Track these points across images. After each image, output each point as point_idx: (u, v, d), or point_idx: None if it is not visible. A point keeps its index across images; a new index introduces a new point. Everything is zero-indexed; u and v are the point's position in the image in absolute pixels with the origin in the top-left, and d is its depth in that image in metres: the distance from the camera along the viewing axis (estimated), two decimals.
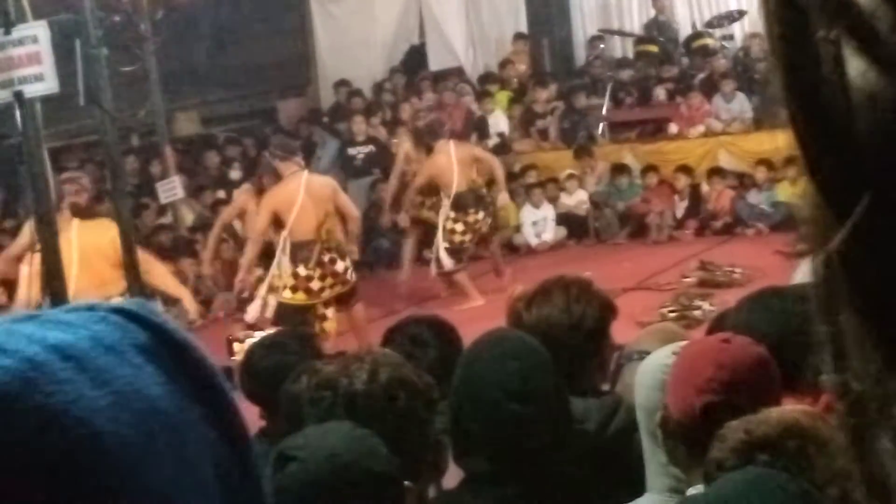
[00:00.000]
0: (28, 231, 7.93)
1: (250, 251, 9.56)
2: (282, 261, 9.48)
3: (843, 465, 1.83)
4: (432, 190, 11.79)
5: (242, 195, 10.62)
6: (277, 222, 9.43)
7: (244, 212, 10.34)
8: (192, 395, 0.69)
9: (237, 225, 10.77)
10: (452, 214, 11.57)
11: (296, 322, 8.90)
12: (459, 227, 11.60)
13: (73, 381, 0.63)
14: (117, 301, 0.72)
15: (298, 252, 9.42)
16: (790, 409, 2.30)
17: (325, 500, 2.35)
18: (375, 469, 2.41)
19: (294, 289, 9.42)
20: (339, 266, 9.54)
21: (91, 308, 0.69)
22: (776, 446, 2.19)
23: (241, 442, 0.72)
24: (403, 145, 12.69)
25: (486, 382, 2.93)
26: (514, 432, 2.88)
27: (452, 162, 11.55)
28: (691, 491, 2.57)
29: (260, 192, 10.07)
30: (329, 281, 9.48)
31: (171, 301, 9.41)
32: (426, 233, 11.93)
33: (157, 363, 0.68)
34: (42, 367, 0.62)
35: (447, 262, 11.54)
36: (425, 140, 11.99)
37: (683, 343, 2.90)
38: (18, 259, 8.18)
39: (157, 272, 8.82)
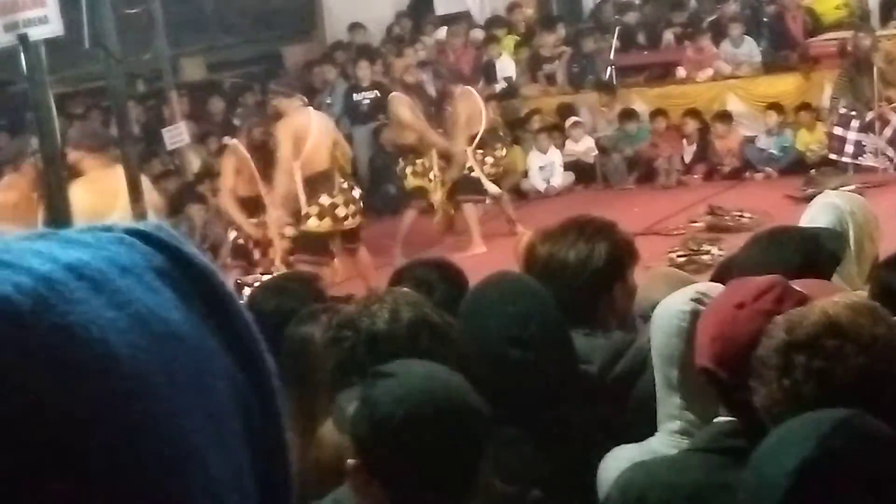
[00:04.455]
0: None
1: (283, 183, 9.46)
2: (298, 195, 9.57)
3: (880, 362, 1.85)
4: (418, 152, 11.77)
5: (230, 157, 10.07)
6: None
7: (239, 170, 10.07)
8: (211, 322, 0.65)
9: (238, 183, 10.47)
10: (480, 151, 11.74)
11: (319, 250, 9.31)
12: (490, 159, 11.85)
13: (89, 302, 0.59)
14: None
15: (319, 182, 9.52)
16: (836, 302, 2.30)
17: (417, 413, 2.31)
18: (469, 398, 2.39)
19: (320, 216, 9.54)
20: (356, 193, 9.85)
21: (107, 229, 0.66)
22: (814, 346, 2.19)
23: (262, 372, 0.68)
24: (402, 109, 11.86)
25: (486, 327, 2.93)
26: (515, 376, 2.88)
27: (479, 103, 11.86)
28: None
29: (253, 145, 9.95)
30: (352, 208, 9.70)
31: None
32: (426, 199, 11.90)
33: (175, 287, 0.64)
34: (56, 286, 0.59)
35: (493, 188, 11.77)
36: (424, 96, 12.12)
37: (701, 288, 2.87)
38: None
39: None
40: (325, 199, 9.54)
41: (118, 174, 8.02)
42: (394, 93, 12.19)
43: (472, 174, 11.67)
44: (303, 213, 9.55)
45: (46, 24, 6.69)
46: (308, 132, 9.45)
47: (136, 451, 0.59)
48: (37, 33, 6.70)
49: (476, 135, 11.71)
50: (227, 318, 0.67)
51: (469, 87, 12.14)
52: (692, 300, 2.74)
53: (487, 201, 12.00)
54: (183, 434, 0.61)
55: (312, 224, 9.54)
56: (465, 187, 11.72)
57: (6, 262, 0.59)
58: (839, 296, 2.39)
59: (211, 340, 0.65)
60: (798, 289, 2.55)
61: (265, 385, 0.68)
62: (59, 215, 7.06)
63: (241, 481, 0.65)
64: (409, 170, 11.89)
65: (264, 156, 9.63)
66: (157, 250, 0.65)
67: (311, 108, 9.94)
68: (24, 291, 0.58)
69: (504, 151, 12.12)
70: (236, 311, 0.67)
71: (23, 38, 6.66)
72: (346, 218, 9.64)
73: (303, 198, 9.51)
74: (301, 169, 9.47)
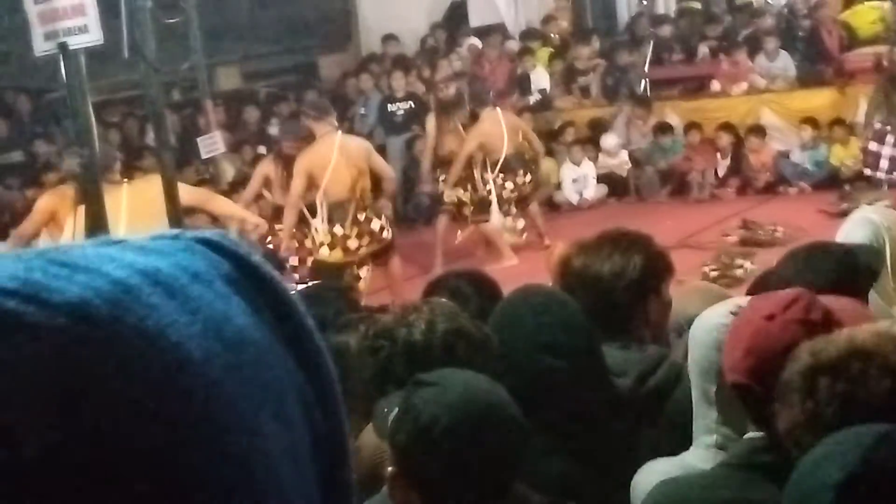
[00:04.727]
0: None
1: (289, 216, 9.59)
2: (318, 221, 9.57)
3: None
4: (451, 163, 11.79)
5: (263, 165, 10.60)
6: (311, 184, 9.48)
7: (269, 181, 10.32)
8: (277, 330, 0.66)
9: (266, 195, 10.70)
10: (501, 176, 11.64)
11: (330, 279, 9.00)
12: (509, 185, 11.72)
13: (164, 307, 0.60)
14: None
15: (334, 212, 9.52)
16: (862, 329, 2.29)
17: (459, 422, 2.33)
18: (509, 408, 2.40)
19: (331, 247, 9.57)
20: (375, 225, 9.70)
21: (175, 236, 0.67)
22: (838, 369, 2.19)
23: (325, 380, 0.69)
24: (430, 122, 12.43)
25: (516, 336, 2.94)
26: (547, 385, 2.89)
27: (502, 128, 11.64)
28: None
29: (281, 157, 10.10)
30: (366, 239, 9.64)
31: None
32: (458, 209, 11.89)
33: (243, 294, 0.65)
34: (133, 291, 0.60)
35: (497, 219, 11.65)
36: (461, 107, 12.05)
37: (740, 301, 2.87)
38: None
39: (219, 200, 9.21)
40: (338, 230, 9.57)
41: (120, 196, 8.00)
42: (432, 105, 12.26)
43: (490, 197, 11.65)
44: (318, 241, 9.60)
45: (86, 33, 6.75)
46: (328, 163, 9.42)
47: (210, 455, 0.59)
48: (77, 42, 6.76)
49: (497, 160, 11.61)
50: (292, 325, 0.67)
51: (496, 110, 11.89)
52: (731, 313, 2.73)
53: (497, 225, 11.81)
54: (254, 439, 0.61)
55: (324, 252, 9.59)
56: (479, 208, 11.71)
57: (83, 267, 0.60)
58: (866, 324, 2.38)
59: (278, 347, 0.65)
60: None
61: (328, 392, 0.69)
62: (96, 222, 7.12)
63: (308, 487, 0.66)
64: (441, 177, 11.96)
65: (292, 169, 9.74)
66: (225, 258, 0.66)
67: (339, 132, 9.78)
68: (101, 295, 0.59)
69: (528, 177, 11.91)
70: (301, 319, 0.68)
71: (63, 47, 6.72)
72: (358, 249, 9.62)
73: (322, 227, 9.57)
74: (321, 197, 9.51)
